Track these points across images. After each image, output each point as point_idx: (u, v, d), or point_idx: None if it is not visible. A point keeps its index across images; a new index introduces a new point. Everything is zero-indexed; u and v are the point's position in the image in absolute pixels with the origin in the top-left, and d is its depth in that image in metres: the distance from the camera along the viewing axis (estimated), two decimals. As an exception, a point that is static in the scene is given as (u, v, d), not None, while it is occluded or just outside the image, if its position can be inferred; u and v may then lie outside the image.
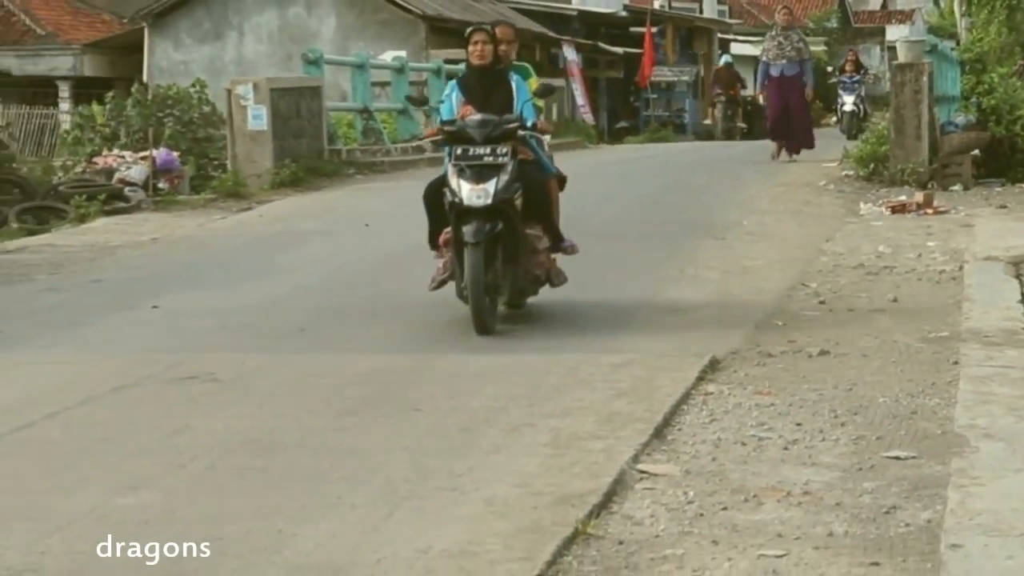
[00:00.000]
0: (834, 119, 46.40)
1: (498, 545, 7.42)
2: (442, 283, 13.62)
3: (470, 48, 13.46)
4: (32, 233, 23.23)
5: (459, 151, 12.97)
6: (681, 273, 16.89)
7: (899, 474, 8.66)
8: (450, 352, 12.82)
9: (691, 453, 9.25)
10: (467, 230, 12.65)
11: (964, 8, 44.81)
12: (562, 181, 14.25)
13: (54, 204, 25.35)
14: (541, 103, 14.17)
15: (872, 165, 26.21)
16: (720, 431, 9.75)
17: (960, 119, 27.16)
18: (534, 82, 14.16)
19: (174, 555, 7.32)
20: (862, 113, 39.93)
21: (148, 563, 7.30)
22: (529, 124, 13.38)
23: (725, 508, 8.01)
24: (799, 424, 9.84)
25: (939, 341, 12.56)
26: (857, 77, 41.20)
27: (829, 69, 55.85)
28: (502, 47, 13.74)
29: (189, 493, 8.68)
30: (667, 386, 10.90)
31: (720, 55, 54.31)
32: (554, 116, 41.91)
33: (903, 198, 22.72)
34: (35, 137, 32.00)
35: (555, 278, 13.72)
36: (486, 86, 13.50)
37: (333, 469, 9.10)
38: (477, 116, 13.17)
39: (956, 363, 11.47)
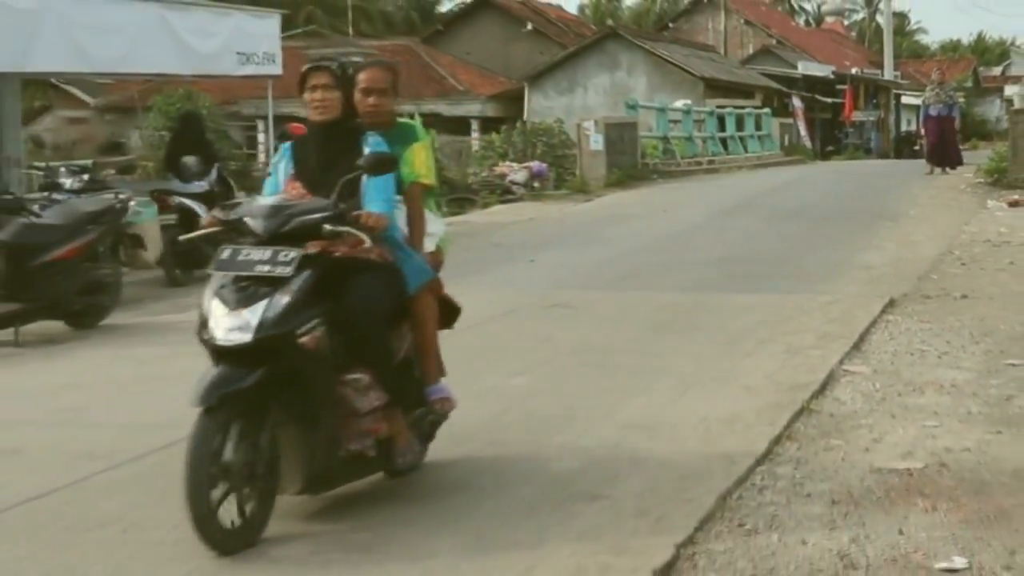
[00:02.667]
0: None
1: (752, 415, 8.70)
2: None
3: (306, 97, 7.25)
4: (455, 214, 26.56)
5: (224, 254, 6.74)
6: (869, 243, 18.83)
7: (1015, 375, 9.87)
8: (718, 293, 14.55)
9: (877, 359, 10.62)
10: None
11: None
12: (449, 304, 8.06)
13: (468, 196, 29.81)
14: (430, 182, 7.67)
15: (996, 175, 29.30)
16: (896, 345, 11.17)
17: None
18: (420, 151, 7.59)
19: (541, 417, 8.78)
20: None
21: (530, 421, 8.84)
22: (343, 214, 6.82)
23: (899, 395, 9.29)
24: (948, 342, 11.23)
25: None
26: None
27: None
28: (369, 99, 7.43)
29: (553, 378, 10.17)
30: (861, 316, 12.48)
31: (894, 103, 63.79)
32: (786, 143, 46.88)
33: (1016, 196, 24.93)
34: (456, 155, 35.38)
35: (399, 454, 7.18)
36: (328, 153, 7.23)
37: (645, 365, 10.56)
38: (267, 201, 7.05)
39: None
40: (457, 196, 29.56)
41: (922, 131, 35.03)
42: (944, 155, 32.54)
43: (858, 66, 66.11)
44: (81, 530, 6.54)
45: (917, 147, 47.88)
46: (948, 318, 12.48)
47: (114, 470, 7.72)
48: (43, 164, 21.40)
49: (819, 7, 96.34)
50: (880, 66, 66.80)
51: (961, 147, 35.07)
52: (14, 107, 20.92)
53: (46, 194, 15.47)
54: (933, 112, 32.31)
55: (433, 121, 36.85)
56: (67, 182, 15.87)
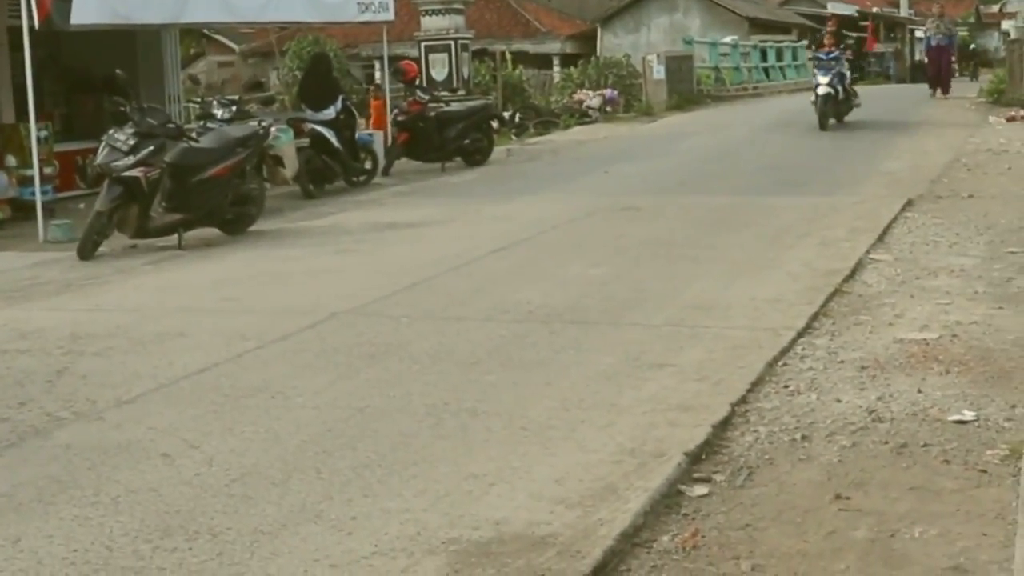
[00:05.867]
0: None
1: (792, 296, 8.73)
2: None
3: None
4: (541, 135, 26.78)
5: None
6: (889, 154, 18.63)
7: (1014, 261, 9.89)
8: (763, 196, 14.53)
9: (898, 248, 10.66)
10: None
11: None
12: None
13: (552, 119, 29.70)
14: None
15: (995, 96, 29.01)
16: (914, 237, 11.20)
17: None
18: None
19: (617, 300, 8.89)
20: (841, 94, 22.83)
21: (607, 303, 8.90)
22: None
23: (917, 278, 9.32)
24: (957, 234, 11.26)
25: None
26: (835, 53, 23.31)
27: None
28: None
29: (626, 268, 10.21)
30: (884, 213, 12.46)
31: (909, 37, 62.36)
32: None
33: (1012, 113, 24.64)
34: (540, 86, 35.45)
35: None
36: None
37: (702, 255, 10.60)
38: None
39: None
40: (542, 119, 29.63)
41: (925, 59, 34.33)
42: (939, 81, 31.87)
43: (878, 5, 65.25)
44: (237, 397, 6.64)
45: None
46: (957, 214, 12.46)
47: (263, 348, 7.79)
48: (198, 99, 21.55)
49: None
50: (897, 5, 66.12)
51: (961, 74, 34.59)
52: (174, 53, 21.11)
53: (202, 123, 15.56)
54: (934, 43, 31.58)
55: (520, 58, 36.92)
56: (219, 113, 15.95)
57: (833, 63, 22.71)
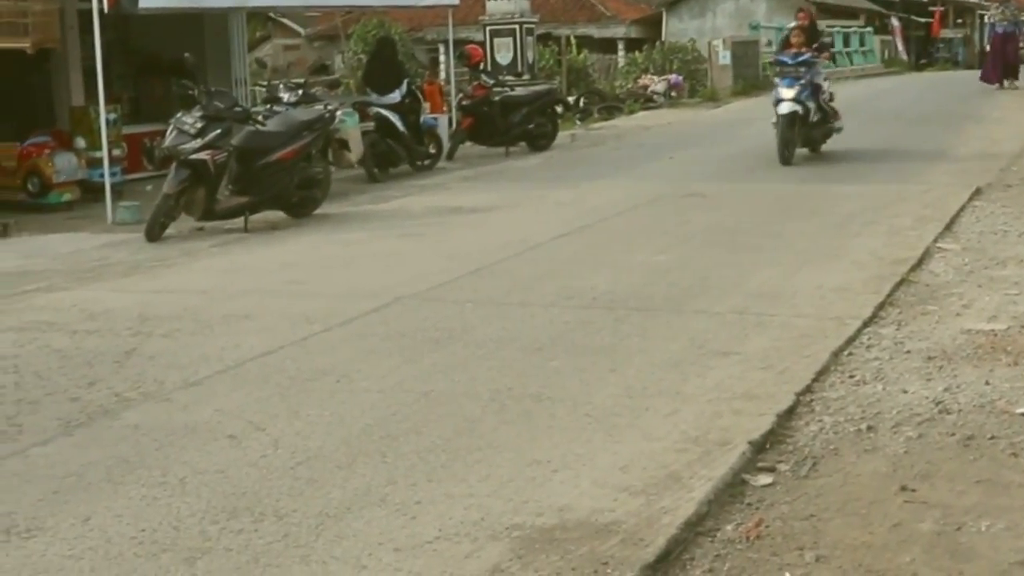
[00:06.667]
0: None
1: (859, 285, 8.66)
2: None
3: None
4: (605, 120, 26.77)
5: None
6: (957, 141, 18.35)
7: None
8: (829, 183, 14.42)
9: (966, 237, 10.51)
10: None
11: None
12: None
13: (616, 104, 29.73)
14: None
15: None
16: (982, 226, 11.04)
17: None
18: None
19: (681, 287, 8.86)
20: (814, 114, 16.64)
21: (672, 290, 8.89)
22: None
23: (985, 267, 9.19)
24: None
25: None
26: (806, 55, 16.77)
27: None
28: None
29: (690, 255, 10.16)
30: (952, 202, 12.30)
31: (979, 22, 59.71)
32: (885, 57, 46.89)
33: None
34: (605, 71, 35.36)
35: None
36: None
37: (768, 244, 10.52)
38: None
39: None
40: (607, 105, 29.58)
41: (987, 47, 33.34)
42: (1006, 68, 30.76)
43: (948, -11, 64.64)
44: (302, 380, 6.69)
45: None
46: (1027, 203, 12.31)
47: (328, 332, 7.83)
48: (265, 83, 21.69)
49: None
50: (966, -11, 65.39)
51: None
52: (241, 36, 21.21)
53: (268, 107, 15.67)
54: (1000, 29, 30.71)
55: (585, 42, 36.83)
56: (285, 96, 16.04)
57: (802, 70, 16.41)
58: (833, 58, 42.73)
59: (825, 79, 17.20)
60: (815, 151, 17.09)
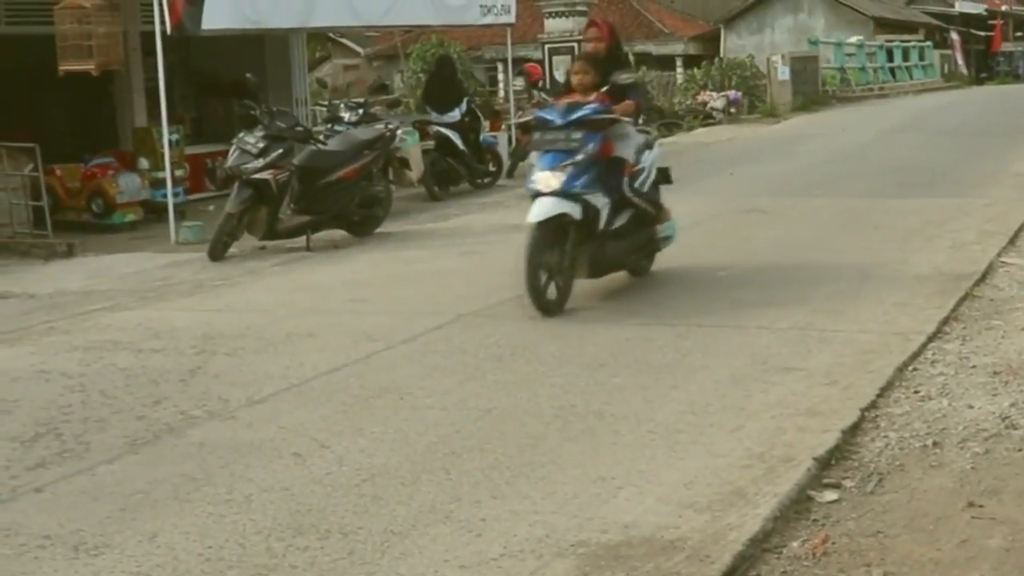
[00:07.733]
0: None
1: (923, 300, 8.63)
2: None
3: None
4: (665, 136, 26.52)
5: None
6: (1019, 155, 18.26)
7: None
8: (890, 198, 14.36)
9: None
10: None
11: None
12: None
13: (676, 120, 29.88)
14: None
15: None
16: None
17: None
18: None
19: (744, 303, 8.77)
20: (606, 219, 8.76)
21: (734, 306, 8.82)
22: None
23: None
24: None
25: None
26: (587, 109, 8.68)
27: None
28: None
29: (752, 270, 10.08)
30: (1015, 216, 12.23)
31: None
32: (945, 71, 47.06)
33: None
34: (663, 87, 35.40)
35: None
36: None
37: (830, 260, 10.50)
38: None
39: None
40: (665, 121, 29.59)
41: None
42: None
43: (1008, 3, 63.85)
44: (366, 397, 6.72)
45: None
46: (1092, 217, 12.16)
47: (391, 349, 7.86)
48: (325, 102, 21.84)
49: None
50: (1028, 3, 64.82)
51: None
52: (301, 57, 21.42)
53: (329, 126, 15.76)
54: None
55: (643, 59, 36.83)
56: (346, 115, 16.16)
57: (578, 137, 8.74)
58: (893, 73, 42.81)
59: (645, 146, 9.65)
60: (598, 274, 9.24)
